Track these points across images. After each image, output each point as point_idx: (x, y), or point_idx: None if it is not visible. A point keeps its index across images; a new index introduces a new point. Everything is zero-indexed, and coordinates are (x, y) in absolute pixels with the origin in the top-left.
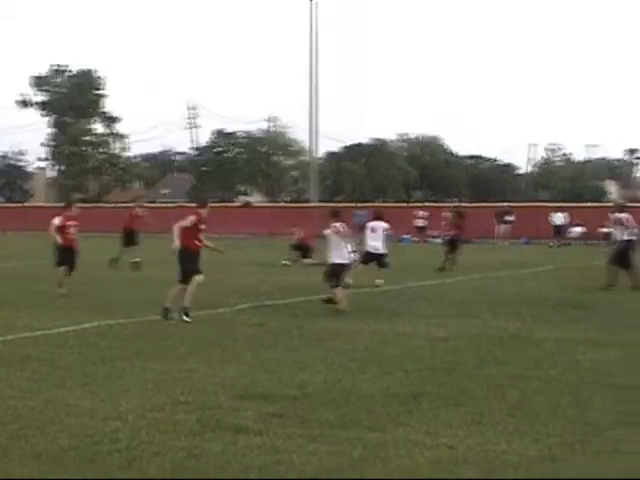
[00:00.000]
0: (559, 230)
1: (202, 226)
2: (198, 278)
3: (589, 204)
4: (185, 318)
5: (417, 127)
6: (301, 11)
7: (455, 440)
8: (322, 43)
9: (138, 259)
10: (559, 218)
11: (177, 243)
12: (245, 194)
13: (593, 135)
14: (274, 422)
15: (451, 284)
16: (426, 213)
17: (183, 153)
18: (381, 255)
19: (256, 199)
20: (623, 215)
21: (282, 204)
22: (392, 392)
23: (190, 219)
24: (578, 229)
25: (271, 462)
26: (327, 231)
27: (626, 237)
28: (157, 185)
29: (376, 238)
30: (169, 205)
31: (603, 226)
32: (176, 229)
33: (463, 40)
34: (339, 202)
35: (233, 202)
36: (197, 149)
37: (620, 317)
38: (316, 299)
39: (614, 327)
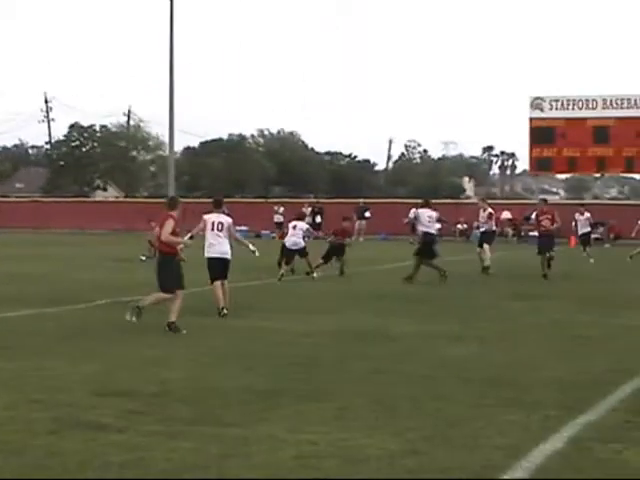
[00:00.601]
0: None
1: (177, 229)
2: (180, 293)
3: (446, 200)
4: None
5: (277, 123)
6: (160, 5)
7: (317, 436)
8: (183, 38)
9: None
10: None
11: (186, 239)
12: (104, 189)
13: (450, 132)
14: (134, 419)
15: (313, 280)
16: (285, 209)
17: (39, 147)
18: (300, 249)
19: (113, 194)
20: (421, 210)
21: (140, 199)
22: (253, 388)
23: (170, 224)
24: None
25: (132, 459)
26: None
27: (425, 229)
28: (11, 179)
29: (296, 235)
30: (23, 200)
31: (459, 222)
32: (171, 238)
33: (318, 36)
34: (198, 197)
35: (89, 197)
36: (52, 143)
37: (475, 311)
38: None
39: (470, 321)
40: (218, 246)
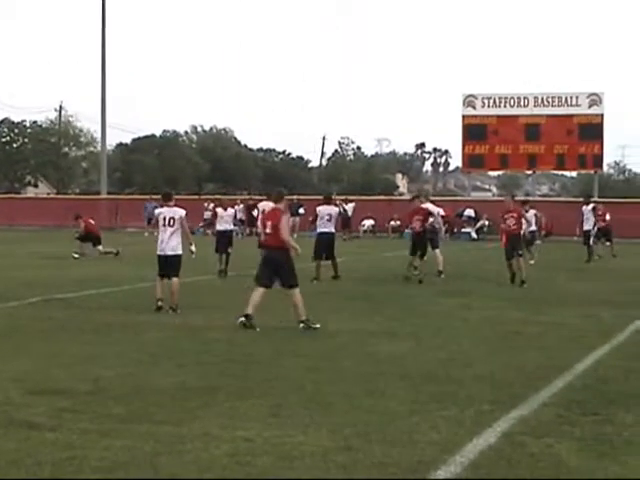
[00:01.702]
0: (349, 222)
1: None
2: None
3: (380, 197)
4: (305, 326)
5: (210, 119)
6: (92, 1)
7: (252, 433)
8: (116, 33)
9: None
10: (349, 211)
11: (295, 247)
12: (35, 186)
13: (383, 129)
14: (68, 417)
15: (241, 277)
16: (215, 205)
17: None
18: None
19: (45, 190)
20: (320, 207)
21: (72, 195)
22: (187, 385)
23: (285, 219)
24: (368, 222)
25: (65, 458)
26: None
27: (321, 229)
28: None
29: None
30: None
31: (392, 219)
32: (286, 234)
33: (253, 34)
34: (130, 194)
35: (20, 193)
36: None
37: (410, 308)
38: (108, 291)
39: (405, 317)
40: (166, 242)
